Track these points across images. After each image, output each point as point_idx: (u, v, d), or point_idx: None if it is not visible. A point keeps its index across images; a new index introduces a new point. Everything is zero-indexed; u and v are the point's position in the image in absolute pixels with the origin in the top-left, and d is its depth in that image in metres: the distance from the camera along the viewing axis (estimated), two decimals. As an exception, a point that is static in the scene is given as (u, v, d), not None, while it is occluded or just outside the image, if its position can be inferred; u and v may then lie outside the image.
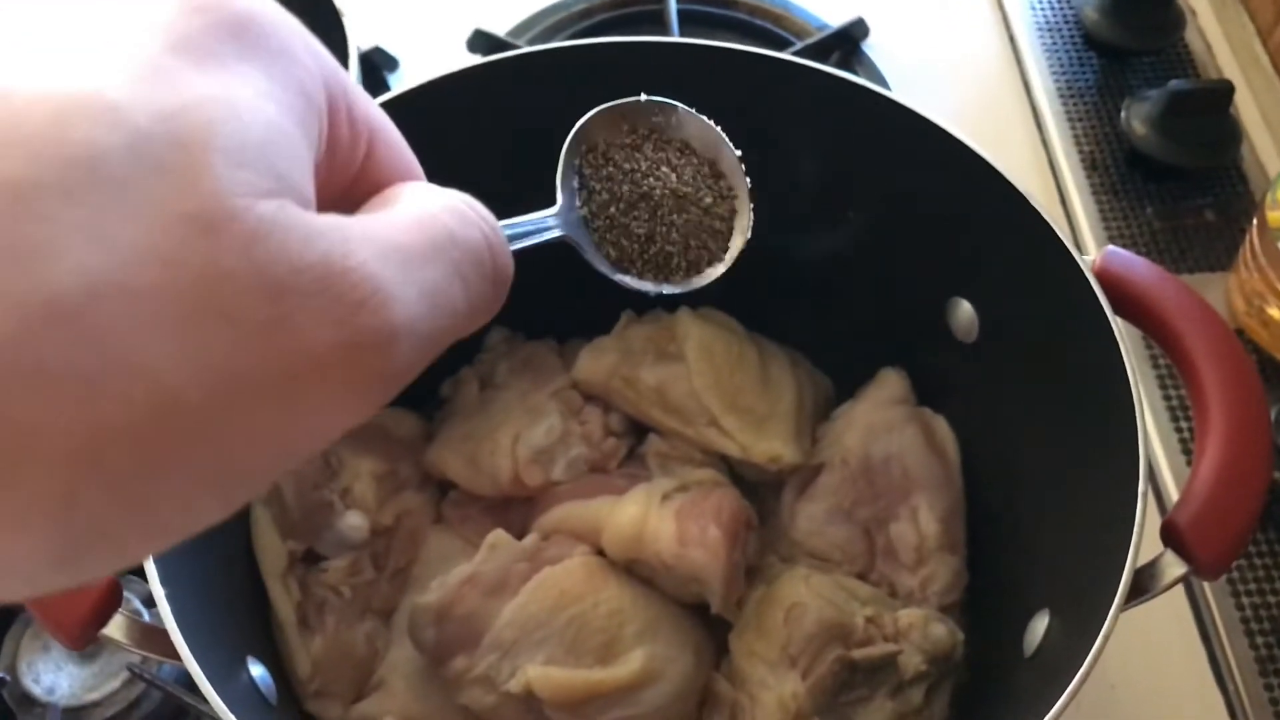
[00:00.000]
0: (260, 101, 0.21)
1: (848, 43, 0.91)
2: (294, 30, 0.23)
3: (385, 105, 0.41)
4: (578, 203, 0.34)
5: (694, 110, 0.37)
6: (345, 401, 0.21)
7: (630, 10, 0.92)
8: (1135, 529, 0.45)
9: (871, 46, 0.91)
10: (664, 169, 0.36)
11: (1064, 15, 0.95)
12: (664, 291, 0.36)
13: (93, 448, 0.18)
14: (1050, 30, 0.94)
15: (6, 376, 0.17)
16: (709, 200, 0.37)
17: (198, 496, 0.20)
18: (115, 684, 0.61)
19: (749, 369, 0.64)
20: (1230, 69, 0.92)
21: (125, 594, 0.47)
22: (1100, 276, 0.53)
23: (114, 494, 0.19)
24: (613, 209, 0.35)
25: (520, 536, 0.59)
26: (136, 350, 0.18)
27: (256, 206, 0.20)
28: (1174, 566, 0.47)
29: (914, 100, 0.57)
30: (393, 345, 0.21)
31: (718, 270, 0.37)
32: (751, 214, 0.37)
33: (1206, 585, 0.68)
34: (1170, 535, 0.48)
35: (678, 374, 0.63)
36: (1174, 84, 0.84)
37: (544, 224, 0.32)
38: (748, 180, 0.38)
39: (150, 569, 0.45)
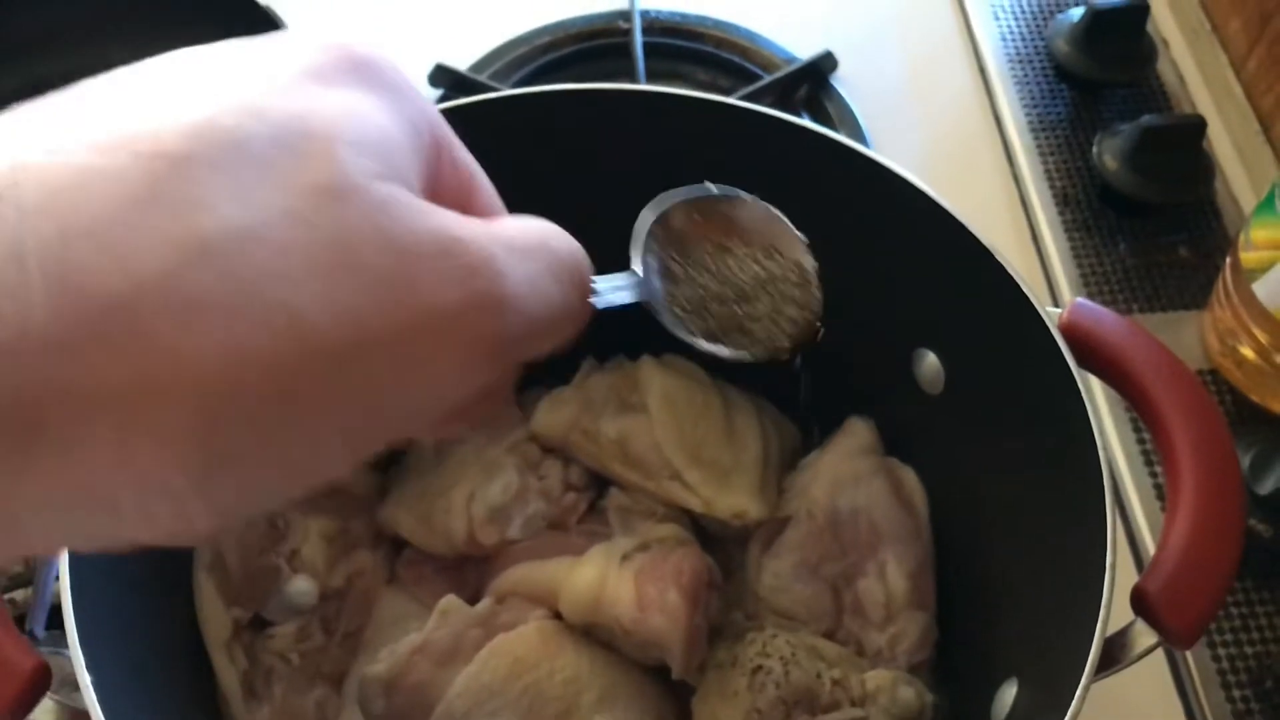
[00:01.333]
0: (376, 115, 0.24)
1: (816, 76, 0.89)
2: (405, 78, 0.26)
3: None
4: (656, 280, 0.36)
5: (759, 197, 0.39)
6: (462, 361, 0.23)
7: (595, 43, 0.91)
8: (1103, 604, 0.43)
9: (840, 79, 0.90)
10: (751, 265, 0.39)
11: (1035, 47, 0.93)
12: (742, 359, 0.38)
13: (234, 372, 0.20)
14: (1021, 62, 0.93)
15: (160, 304, 0.20)
16: (785, 287, 0.40)
17: (325, 438, 0.22)
18: (56, 754, 0.59)
19: (713, 419, 0.62)
20: (1203, 101, 0.91)
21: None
22: (1068, 330, 0.51)
23: (250, 419, 0.21)
24: (699, 295, 0.38)
25: (477, 596, 0.57)
26: (277, 289, 0.21)
27: (377, 183, 0.23)
28: (1145, 636, 0.46)
29: (882, 133, 0.56)
30: (504, 311, 0.24)
31: (789, 344, 0.40)
32: (819, 292, 0.40)
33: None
34: (1140, 603, 0.46)
35: (640, 426, 0.61)
36: (1145, 119, 0.82)
37: (623, 285, 0.34)
38: (814, 262, 0.40)
39: (77, 654, 0.42)
